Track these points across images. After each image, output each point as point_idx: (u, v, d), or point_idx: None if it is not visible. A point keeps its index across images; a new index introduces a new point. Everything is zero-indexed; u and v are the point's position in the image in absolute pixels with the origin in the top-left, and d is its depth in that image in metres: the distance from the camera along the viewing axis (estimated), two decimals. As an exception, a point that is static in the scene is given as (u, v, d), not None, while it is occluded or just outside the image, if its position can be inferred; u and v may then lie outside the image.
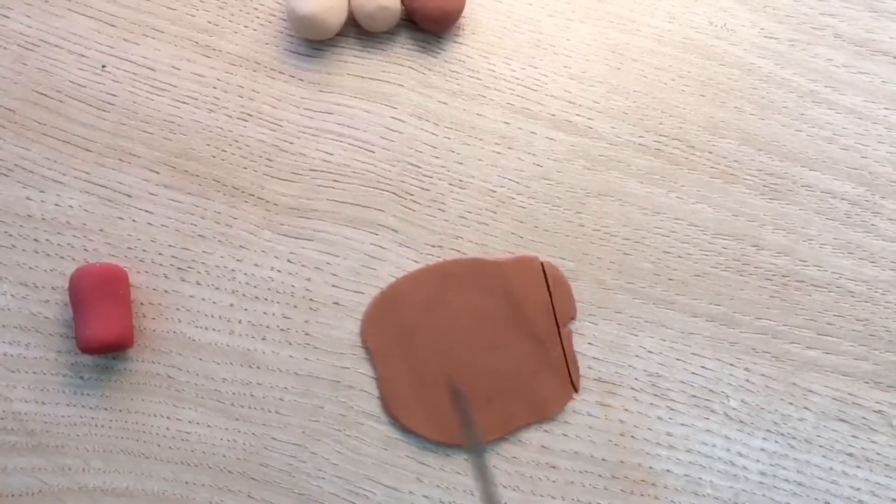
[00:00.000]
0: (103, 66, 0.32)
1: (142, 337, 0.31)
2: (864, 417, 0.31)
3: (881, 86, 0.33)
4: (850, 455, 0.31)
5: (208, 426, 0.31)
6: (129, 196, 0.32)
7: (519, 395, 0.31)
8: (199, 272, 0.32)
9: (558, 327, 0.31)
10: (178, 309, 0.31)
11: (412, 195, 0.32)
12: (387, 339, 0.31)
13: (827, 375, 0.32)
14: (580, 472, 0.31)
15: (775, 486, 0.31)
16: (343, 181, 0.32)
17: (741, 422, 0.31)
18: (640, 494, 0.31)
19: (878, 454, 0.31)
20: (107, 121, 0.32)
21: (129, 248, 0.32)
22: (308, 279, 0.32)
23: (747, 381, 0.31)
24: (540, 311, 0.31)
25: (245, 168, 0.32)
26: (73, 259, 0.32)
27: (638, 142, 0.33)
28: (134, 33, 0.33)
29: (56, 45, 0.33)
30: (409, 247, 0.32)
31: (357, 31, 0.33)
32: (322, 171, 0.32)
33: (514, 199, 0.32)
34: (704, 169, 0.33)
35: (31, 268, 0.31)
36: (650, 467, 0.31)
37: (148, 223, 0.32)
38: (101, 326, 0.29)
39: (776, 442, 0.31)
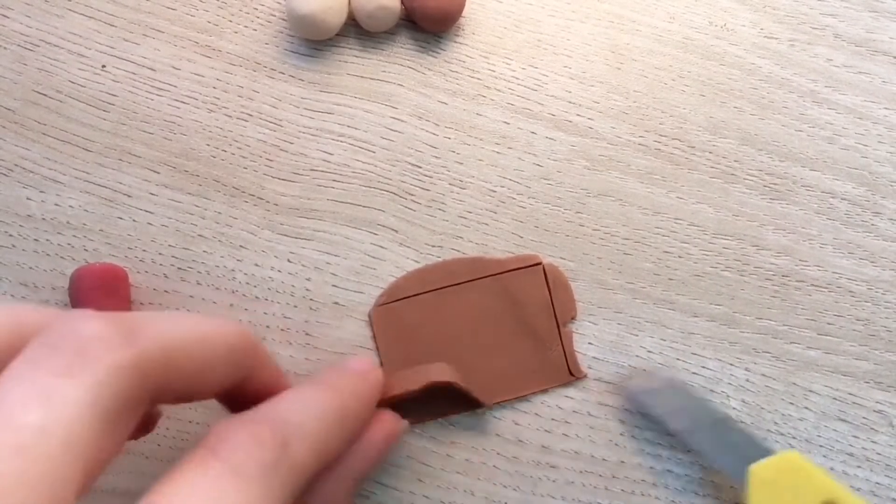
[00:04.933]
0: (103, 66, 0.32)
1: (142, 337, 0.31)
2: (864, 417, 0.31)
3: (881, 86, 0.33)
4: (851, 455, 0.31)
5: (208, 426, 0.31)
6: (129, 196, 0.32)
7: (519, 394, 0.31)
8: (199, 272, 0.32)
9: (558, 327, 0.31)
10: (177, 309, 0.31)
11: (412, 195, 0.32)
12: (388, 340, 0.31)
13: (827, 375, 0.31)
14: (580, 472, 0.31)
15: (775, 486, 0.31)
16: (343, 181, 0.32)
17: (741, 422, 0.31)
18: (641, 494, 0.31)
19: (879, 454, 0.31)
20: (107, 121, 0.32)
21: (129, 248, 0.32)
22: (308, 279, 0.32)
23: (747, 381, 0.31)
24: (540, 311, 0.31)
25: (245, 168, 0.32)
26: (73, 259, 0.32)
27: (638, 142, 0.33)
28: (134, 33, 0.33)
29: (56, 45, 0.33)
30: (409, 247, 0.32)
31: (357, 31, 0.33)
32: (322, 171, 0.32)
33: (514, 199, 0.32)
34: (704, 169, 0.33)
35: (31, 268, 0.31)
36: (650, 467, 0.31)
37: (148, 223, 0.32)
38: (101, 326, 0.29)
39: (776, 442, 0.31)
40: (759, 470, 0.28)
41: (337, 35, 0.33)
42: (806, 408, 0.31)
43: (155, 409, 0.25)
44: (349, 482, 0.24)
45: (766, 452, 0.28)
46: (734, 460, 0.28)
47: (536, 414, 0.31)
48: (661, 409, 0.30)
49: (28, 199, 0.32)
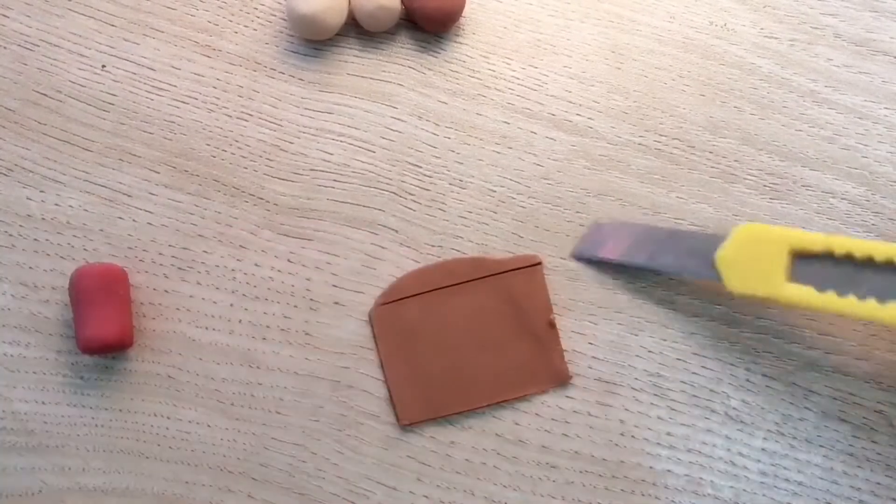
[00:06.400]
0: (103, 66, 0.32)
1: (142, 337, 0.31)
2: (864, 417, 0.31)
3: (881, 86, 0.33)
4: (851, 455, 0.31)
5: (208, 426, 0.31)
6: (129, 196, 0.32)
7: (519, 394, 0.31)
8: (199, 272, 0.32)
9: (553, 327, 0.31)
10: (178, 309, 0.31)
11: (412, 195, 0.32)
12: (388, 339, 0.31)
13: (828, 375, 0.31)
14: (580, 472, 0.31)
15: (776, 486, 0.31)
16: (343, 181, 0.32)
17: (742, 422, 0.31)
18: (641, 494, 0.31)
19: (879, 454, 0.31)
20: (107, 121, 0.32)
21: (129, 248, 0.32)
22: (308, 279, 0.32)
23: (748, 380, 0.31)
24: (540, 311, 0.31)
25: (245, 168, 0.32)
26: (73, 259, 0.32)
27: (638, 142, 0.33)
28: (134, 33, 0.33)
29: (56, 45, 0.33)
30: (409, 247, 0.32)
31: (357, 30, 0.33)
32: (322, 170, 0.32)
33: (514, 198, 0.32)
34: (704, 169, 0.33)
35: (31, 268, 0.31)
36: (650, 467, 0.31)
37: (148, 223, 0.32)
38: (101, 326, 0.29)
39: (777, 442, 0.31)
40: (722, 255, 0.28)
41: (337, 35, 0.33)
42: (806, 408, 0.31)
43: None
44: None
45: (721, 238, 0.29)
46: (700, 262, 0.29)
47: (536, 414, 0.31)
48: (615, 254, 0.31)
49: (28, 199, 0.32)
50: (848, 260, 0.27)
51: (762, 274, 0.28)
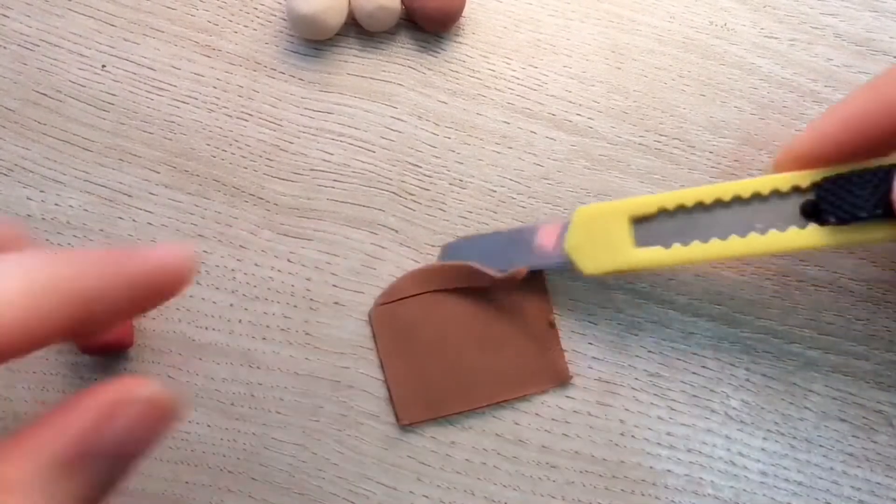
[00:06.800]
0: (103, 66, 0.32)
1: (142, 337, 0.31)
2: (864, 417, 0.31)
3: (881, 85, 0.33)
4: (851, 455, 0.31)
5: (208, 426, 0.31)
6: (129, 196, 0.32)
7: (518, 394, 0.31)
8: (198, 272, 0.32)
9: (553, 328, 0.31)
10: (178, 309, 0.31)
11: (412, 195, 0.32)
12: (388, 340, 0.31)
13: (827, 375, 0.31)
14: (580, 472, 0.31)
15: (776, 486, 0.31)
16: (343, 181, 0.32)
17: (742, 422, 0.31)
18: (641, 494, 0.31)
19: (879, 454, 0.31)
20: (107, 121, 0.32)
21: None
22: (308, 279, 0.32)
23: (748, 380, 0.31)
24: (540, 312, 0.31)
25: (245, 168, 0.32)
26: (73, 259, 0.31)
27: (638, 141, 0.33)
28: (134, 33, 0.33)
29: (56, 45, 0.33)
30: (409, 247, 0.32)
31: (357, 30, 0.33)
32: (322, 170, 0.32)
33: (514, 198, 0.32)
34: (704, 169, 0.33)
35: (31, 268, 0.31)
36: (650, 467, 0.31)
37: (148, 223, 0.32)
38: (101, 326, 0.29)
39: (777, 442, 0.31)
40: (570, 243, 0.29)
41: (337, 35, 0.33)
42: (806, 408, 0.31)
43: None
44: (41, 459, 0.16)
45: (565, 226, 0.30)
46: (555, 254, 0.30)
47: (536, 414, 0.31)
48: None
49: (28, 199, 0.32)
50: (682, 211, 0.28)
51: (610, 248, 0.29)
